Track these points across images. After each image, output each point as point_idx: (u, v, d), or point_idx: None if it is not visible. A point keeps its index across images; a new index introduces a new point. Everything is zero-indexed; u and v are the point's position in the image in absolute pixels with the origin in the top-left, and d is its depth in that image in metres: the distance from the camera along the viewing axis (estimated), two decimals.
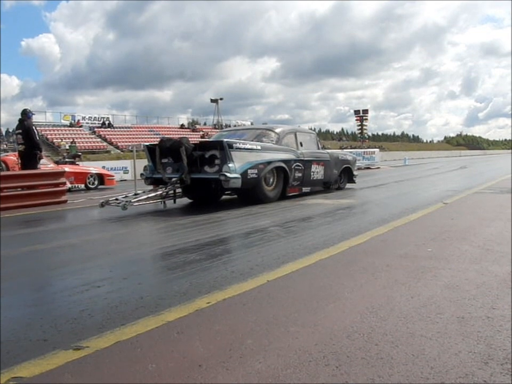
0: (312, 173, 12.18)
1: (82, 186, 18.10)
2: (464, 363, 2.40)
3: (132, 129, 51.97)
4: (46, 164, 15.57)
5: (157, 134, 51.70)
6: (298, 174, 11.52)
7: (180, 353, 2.64)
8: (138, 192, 9.94)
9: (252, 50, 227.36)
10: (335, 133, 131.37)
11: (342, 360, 2.47)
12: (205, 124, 65.68)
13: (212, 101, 55.24)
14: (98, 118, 51.13)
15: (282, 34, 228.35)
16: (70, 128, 46.34)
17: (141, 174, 11.35)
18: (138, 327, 3.04)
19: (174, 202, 10.55)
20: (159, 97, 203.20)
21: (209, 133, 56.39)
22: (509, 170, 20.77)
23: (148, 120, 58.51)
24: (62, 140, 41.05)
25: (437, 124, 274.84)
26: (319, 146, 13.19)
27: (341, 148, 40.47)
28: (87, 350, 2.71)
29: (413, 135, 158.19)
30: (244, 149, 10.01)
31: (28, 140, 12.21)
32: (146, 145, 11.35)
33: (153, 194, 9.78)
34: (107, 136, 47.25)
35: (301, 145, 11.98)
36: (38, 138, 12.49)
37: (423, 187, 15.06)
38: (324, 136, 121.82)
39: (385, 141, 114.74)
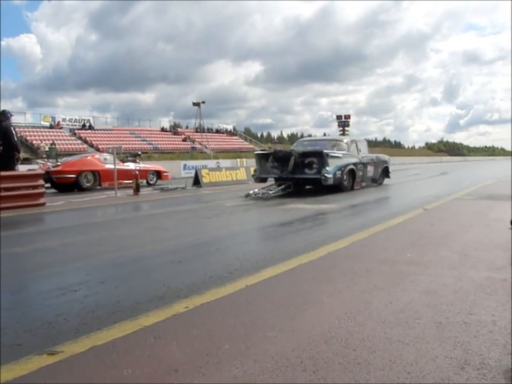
0: (367, 172, 15.86)
1: (144, 182, 19.99)
2: (441, 368, 2.41)
3: (112, 132, 51.56)
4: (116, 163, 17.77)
5: (138, 137, 51.48)
6: (360, 173, 15.25)
7: (156, 358, 2.61)
8: (266, 186, 14.21)
9: (236, 54, 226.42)
10: None
11: (319, 365, 2.46)
12: (187, 127, 65.52)
13: (194, 104, 54.82)
14: (79, 120, 50.57)
15: (267, 38, 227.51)
16: (50, 130, 45.82)
17: (252, 175, 15.87)
18: (115, 331, 3.00)
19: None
20: (141, 99, 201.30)
21: (191, 136, 56.22)
22: (487, 177, 20.99)
23: (129, 122, 58.11)
24: (41, 141, 40.63)
25: (418, 130, 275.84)
26: (369, 150, 17.01)
27: None
28: (62, 355, 2.67)
29: (395, 141, 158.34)
30: (334, 156, 13.81)
31: (6, 141, 12.03)
32: (257, 153, 15.86)
33: (279, 188, 13.70)
34: (88, 138, 46.75)
35: (360, 151, 15.57)
36: (16, 139, 12.33)
37: (403, 192, 15.18)
38: None
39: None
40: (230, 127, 67.91)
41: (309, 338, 2.83)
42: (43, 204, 12.00)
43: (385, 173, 17.69)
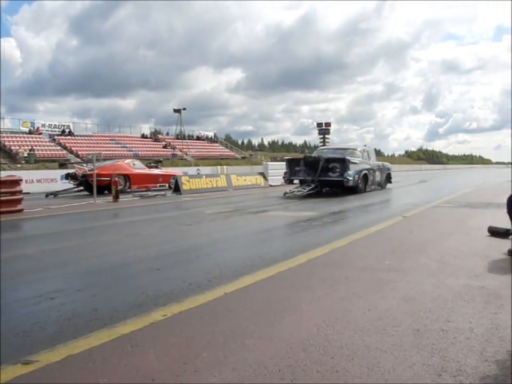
0: (376, 177, 18.55)
1: (167, 186, 21.59)
2: (418, 375, 2.42)
3: (92, 138, 51.18)
4: (143, 167, 21.77)
5: (118, 143, 51.16)
6: (371, 178, 17.87)
7: (133, 367, 2.58)
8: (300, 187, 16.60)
9: (217, 61, 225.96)
10: (298, 145, 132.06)
11: (297, 373, 2.46)
12: (167, 134, 65.22)
13: (175, 110, 54.69)
14: (59, 125, 50.10)
15: (248, 46, 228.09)
16: (29, 135, 45.32)
17: (283, 177, 18.26)
18: (91, 340, 2.97)
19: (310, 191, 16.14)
20: (122, 105, 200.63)
21: (171, 143, 55.99)
22: (466, 185, 21.24)
23: (110, 128, 57.68)
24: (20, 147, 40.19)
25: (398, 138, 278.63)
26: (376, 158, 20.21)
27: None
28: (37, 364, 2.63)
29: (375, 149, 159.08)
30: (353, 162, 16.56)
31: None
32: (287, 158, 18.94)
33: (310, 188, 16.12)
34: (67, 144, 46.29)
35: (370, 159, 18.55)
36: None
37: (382, 200, 15.26)
38: (287, 148, 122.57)
39: None
40: (210, 134, 67.80)
41: (287, 346, 2.82)
42: (21, 210, 11.86)
43: (388, 178, 20.46)
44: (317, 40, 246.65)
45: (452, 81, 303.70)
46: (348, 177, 15.87)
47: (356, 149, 18.31)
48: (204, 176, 21.16)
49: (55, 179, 24.41)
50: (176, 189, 18.64)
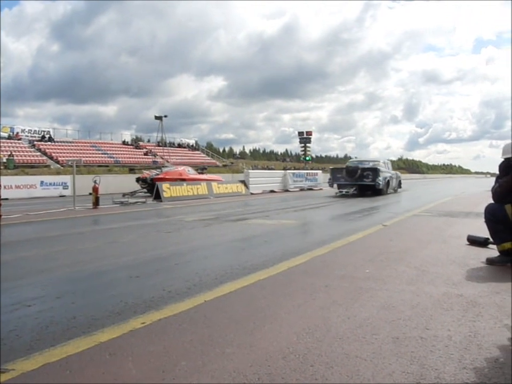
0: (393, 182, 23.80)
1: None
2: (397, 383, 2.42)
3: (73, 144, 50.79)
4: (195, 173, 26.80)
5: (99, 150, 50.84)
6: (391, 183, 23.18)
7: (111, 375, 2.55)
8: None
9: (199, 68, 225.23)
10: (279, 153, 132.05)
11: (276, 381, 2.45)
12: (148, 141, 64.95)
13: (156, 118, 54.47)
14: (39, 131, 49.67)
15: (230, 54, 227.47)
16: (8, 141, 44.79)
17: (328, 182, 23.89)
18: (69, 348, 2.93)
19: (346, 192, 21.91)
20: (103, 112, 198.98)
21: (152, 150, 55.78)
22: (445, 194, 21.47)
23: (90, 135, 57.33)
24: None
25: (379, 147, 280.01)
26: (392, 168, 25.52)
27: (284, 169, 40.61)
28: (13, 373, 2.59)
29: (356, 158, 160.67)
30: (382, 170, 21.76)
31: None
32: (331, 168, 26.12)
33: (353, 189, 21.71)
34: (47, 150, 45.89)
35: (389, 169, 23.82)
36: None
37: (362, 208, 15.34)
38: (268, 156, 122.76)
39: (328, 162, 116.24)
40: (192, 142, 67.78)
41: (267, 354, 2.81)
42: None
43: (399, 184, 25.72)
44: (298, 49, 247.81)
45: (432, 91, 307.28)
46: (379, 182, 21.19)
47: (379, 161, 23.64)
48: (184, 184, 21.01)
49: (34, 185, 24.18)
50: (157, 196, 18.50)
